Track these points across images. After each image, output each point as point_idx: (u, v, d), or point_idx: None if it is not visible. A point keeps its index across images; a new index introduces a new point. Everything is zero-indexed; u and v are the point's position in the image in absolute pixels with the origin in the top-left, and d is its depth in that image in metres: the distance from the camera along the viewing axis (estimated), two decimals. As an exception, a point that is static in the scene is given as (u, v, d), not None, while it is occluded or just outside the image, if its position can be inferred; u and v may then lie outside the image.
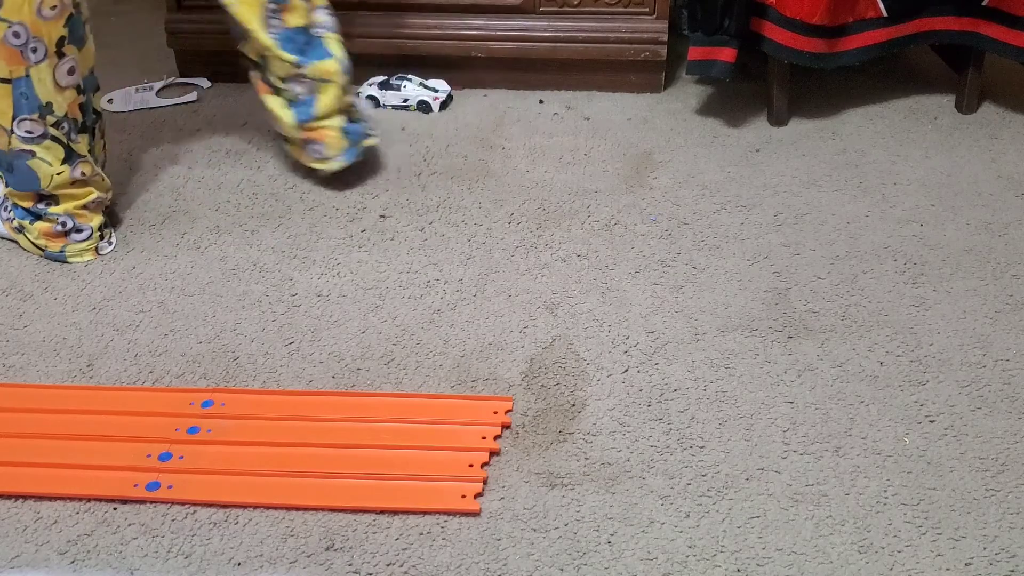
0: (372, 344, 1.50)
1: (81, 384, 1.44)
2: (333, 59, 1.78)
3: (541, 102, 2.19)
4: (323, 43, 1.78)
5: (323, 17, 1.79)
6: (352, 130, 1.85)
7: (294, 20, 1.74)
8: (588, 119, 2.12)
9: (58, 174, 1.62)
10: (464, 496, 1.23)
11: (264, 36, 1.73)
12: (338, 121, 1.82)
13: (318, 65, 1.77)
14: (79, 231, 1.68)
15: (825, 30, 1.93)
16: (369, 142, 1.90)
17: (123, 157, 2.00)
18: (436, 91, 2.16)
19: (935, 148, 1.98)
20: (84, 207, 1.67)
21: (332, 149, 1.83)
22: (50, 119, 1.58)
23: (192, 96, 2.23)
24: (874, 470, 1.27)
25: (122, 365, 1.47)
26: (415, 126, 2.10)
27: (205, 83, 2.28)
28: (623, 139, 2.04)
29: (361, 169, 1.94)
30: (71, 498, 1.25)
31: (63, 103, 1.59)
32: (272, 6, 1.72)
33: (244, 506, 1.24)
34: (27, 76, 1.54)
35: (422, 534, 1.20)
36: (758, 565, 1.15)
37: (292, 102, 1.80)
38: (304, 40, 1.75)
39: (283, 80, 1.78)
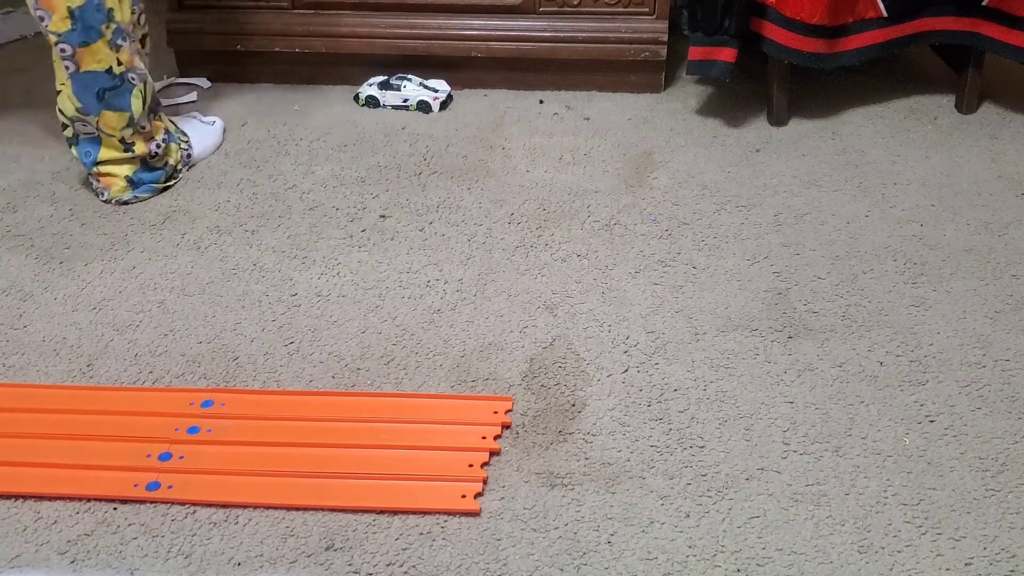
0: (372, 344, 1.50)
1: (81, 384, 1.44)
2: (121, 113, 1.77)
3: (541, 102, 2.19)
4: (127, 93, 1.77)
5: (139, 63, 1.79)
6: (141, 180, 1.85)
7: (92, 64, 1.72)
8: (588, 119, 2.12)
9: None
10: (464, 496, 1.23)
11: (59, 71, 1.74)
12: (125, 170, 1.83)
13: (105, 116, 1.76)
14: None
15: (825, 30, 1.93)
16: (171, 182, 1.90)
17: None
18: (436, 91, 2.16)
19: (935, 148, 1.98)
20: None
21: (115, 193, 1.84)
22: None
23: (192, 96, 2.23)
24: (874, 470, 1.27)
25: (122, 365, 1.47)
26: (415, 126, 2.10)
27: (205, 83, 2.28)
28: (623, 139, 2.04)
29: (361, 169, 1.94)
30: (71, 498, 1.25)
31: None
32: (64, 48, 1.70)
33: (244, 506, 1.24)
34: None
35: (422, 534, 1.20)
36: (758, 565, 1.15)
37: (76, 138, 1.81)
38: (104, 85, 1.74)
39: (69, 118, 1.78)
